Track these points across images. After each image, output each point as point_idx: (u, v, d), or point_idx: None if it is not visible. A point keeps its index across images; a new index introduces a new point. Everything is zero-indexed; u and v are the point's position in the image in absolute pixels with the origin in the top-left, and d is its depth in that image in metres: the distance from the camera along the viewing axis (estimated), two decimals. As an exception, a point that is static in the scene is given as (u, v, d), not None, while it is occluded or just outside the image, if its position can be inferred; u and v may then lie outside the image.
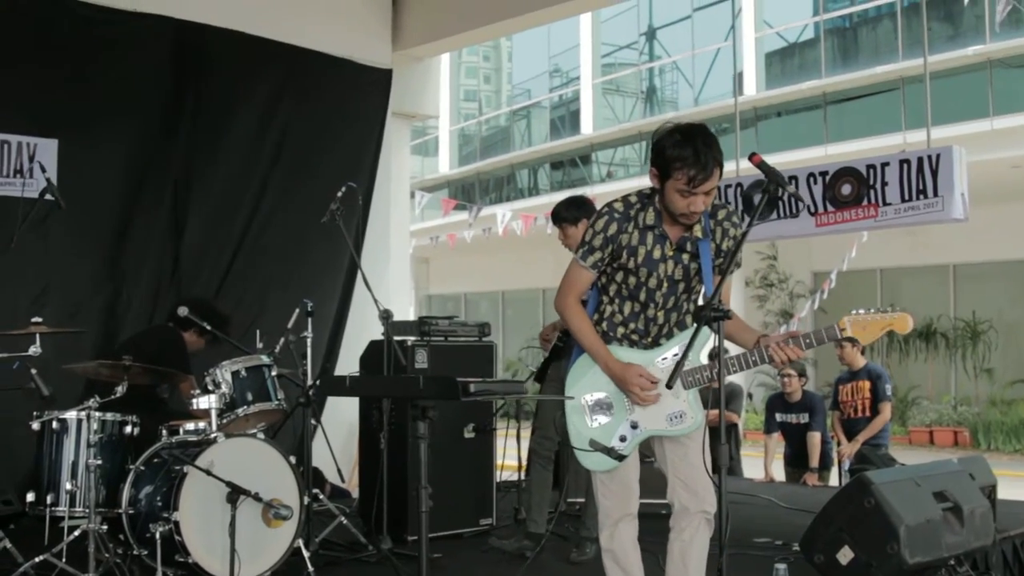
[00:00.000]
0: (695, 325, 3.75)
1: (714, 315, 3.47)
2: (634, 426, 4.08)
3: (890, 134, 16.40)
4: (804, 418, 9.40)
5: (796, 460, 9.56)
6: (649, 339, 4.14)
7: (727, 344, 3.85)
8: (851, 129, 18.97)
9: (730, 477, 9.76)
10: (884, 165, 8.10)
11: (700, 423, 4.06)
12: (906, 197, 7.97)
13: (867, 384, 9.12)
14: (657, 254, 4.04)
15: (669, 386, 3.73)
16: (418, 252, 24.71)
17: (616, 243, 4.04)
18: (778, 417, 9.64)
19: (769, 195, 3.77)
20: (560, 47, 28.14)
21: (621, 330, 4.16)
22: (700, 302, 4.04)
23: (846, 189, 8.25)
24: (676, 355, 3.90)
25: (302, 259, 8.78)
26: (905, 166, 7.97)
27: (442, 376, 3.65)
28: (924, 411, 19.91)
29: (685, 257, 4.07)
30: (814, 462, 9.25)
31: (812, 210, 8.44)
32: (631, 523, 4.22)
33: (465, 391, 3.56)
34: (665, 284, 4.08)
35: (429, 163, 32.91)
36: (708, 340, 3.91)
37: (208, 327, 6.55)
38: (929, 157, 7.87)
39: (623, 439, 4.07)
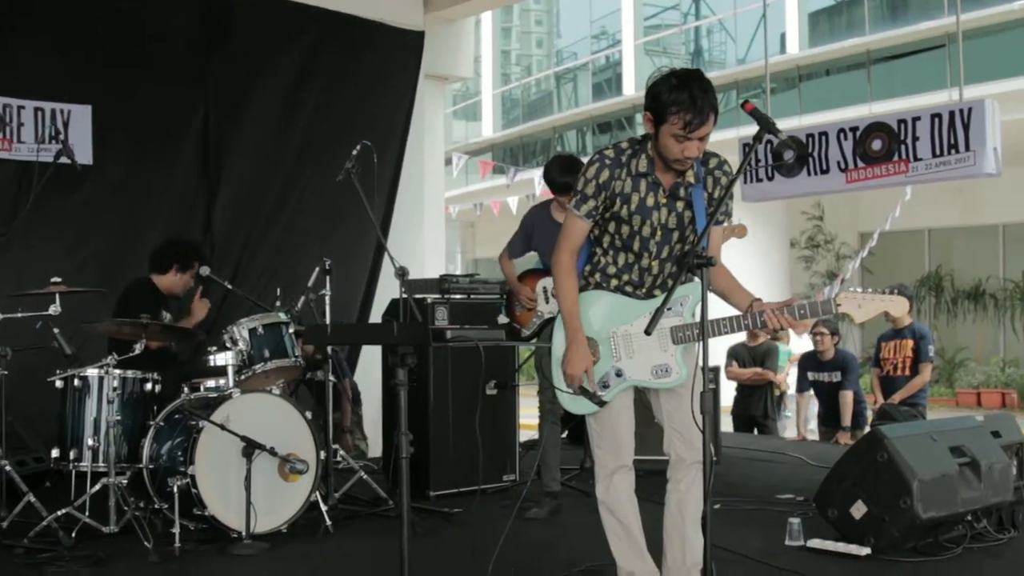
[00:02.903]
0: (678, 270, 3.72)
1: (697, 262, 3.43)
2: (619, 374, 4.06)
3: (935, 91, 16.13)
4: (836, 376, 9.34)
5: (829, 419, 9.51)
6: (644, 290, 4.12)
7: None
8: (897, 87, 18.69)
9: (763, 436, 9.84)
10: (915, 120, 8.00)
11: (685, 378, 4.00)
12: (937, 152, 7.88)
13: (910, 343, 9.00)
14: (651, 201, 4.01)
15: (648, 332, 3.69)
16: (463, 217, 24.76)
17: (609, 190, 4.00)
18: (810, 376, 9.58)
19: (769, 145, 3.71)
20: (603, 10, 27.95)
21: (615, 281, 4.14)
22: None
23: (877, 145, 8.16)
24: (669, 308, 3.88)
25: (335, 221, 8.80)
26: (936, 120, 7.87)
27: (415, 322, 3.67)
28: (971, 373, 19.68)
29: (679, 204, 4.03)
30: (846, 420, 9.18)
31: (842, 166, 8.35)
32: (626, 475, 4.21)
33: (438, 337, 3.57)
34: (659, 232, 4.04)
35: (473, 127, 32.87)
36: (698, 299, 3.88)
37: (229, 286, 6.61)
38: (961, 111, 7.77)
39: (606, 385, 4.06)
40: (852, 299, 3.83)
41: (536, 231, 6.38)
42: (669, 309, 3.81)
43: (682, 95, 3.75)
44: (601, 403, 4.05)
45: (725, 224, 4.20)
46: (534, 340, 6.40)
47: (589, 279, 4.18)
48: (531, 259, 6.56)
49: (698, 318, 3.83)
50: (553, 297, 6.13)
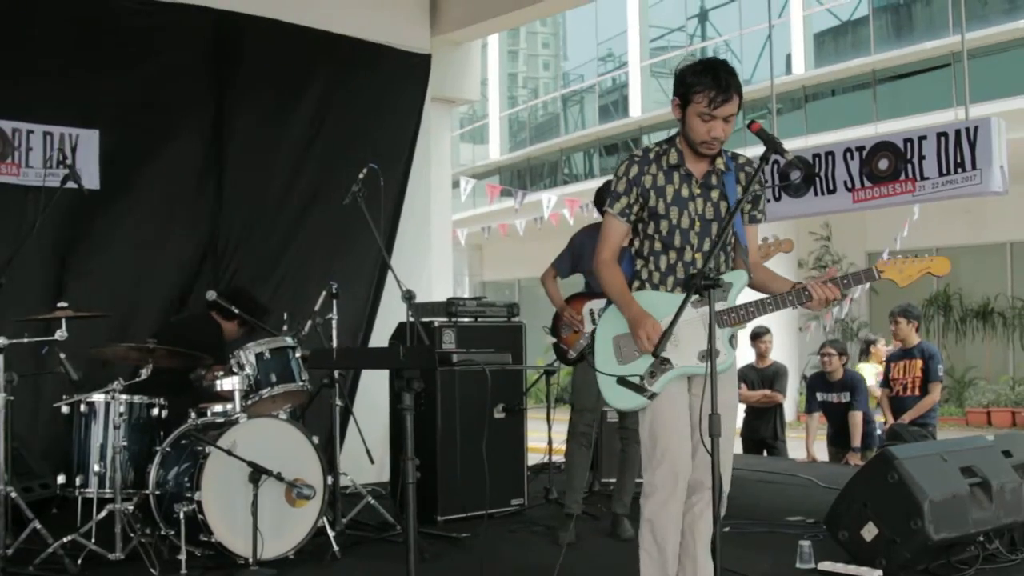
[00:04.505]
0: (686, 292, 3.73)
1: (704, 284, 3.42)
2: (664, 363, 4.04)
3: (941, 110, 16.11)
4: (845, 397, 9.31)
5: (838, 439, 9.48)
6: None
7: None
8: (902, 107, 18.67)
9: (772, 457, 9.81)
10: (922, 139, 7.96)
11: (732, 362, 4.05)
12: (944, 171, 7.84)
13: (919, 363, 9.00)
14: (685, 192, 4.12)
15: (655, 355, 3.69)
16: (471, 240, 24.74)
17: (640, 185, 4.12)
18: (819, 396, 9.55)
19: (776, 165, 3.71)
20: (610, 32, 28.04)
21: (662, 288, 4.16)
22: (734, 254, 4.10)
23: (883, 164, 8.14)
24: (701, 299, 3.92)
25: (342, 244, 8.79)
26: (943, 139, 7.83)
27: (420, 346, 3.66)
28: (981, 392, 19.56)
29: (714, 194, 4.13)
30: (856, 441, 9.14)
31: (849, 186, 8.32)
32: (680, 499, 4.13)
33: (444, 361, 3.55)
34: (698, 223, 4.12)
35: (480, 150, 32.91)
36: (742, 285, 4.00)
37: (236, 312, 6.59)
38: (967, 130, 7.73)
39: (653, 375, 4.04)
40: (894, 265, 3.89)
41: (586, 253, 6.28)
42: (703, 297, 3.85)
43: (706, 77, 3.96)
44: (651, 396, 4.03)
45: (763, 222, 4.26)
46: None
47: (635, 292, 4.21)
48: (577, 282, 6.59)
49: (739, 300, 3.96)
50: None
